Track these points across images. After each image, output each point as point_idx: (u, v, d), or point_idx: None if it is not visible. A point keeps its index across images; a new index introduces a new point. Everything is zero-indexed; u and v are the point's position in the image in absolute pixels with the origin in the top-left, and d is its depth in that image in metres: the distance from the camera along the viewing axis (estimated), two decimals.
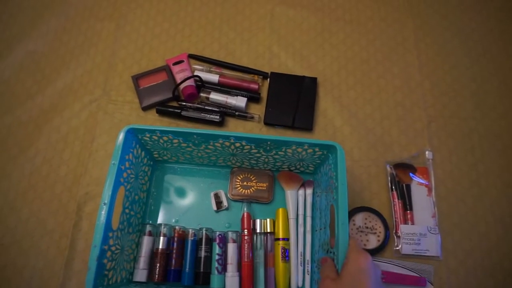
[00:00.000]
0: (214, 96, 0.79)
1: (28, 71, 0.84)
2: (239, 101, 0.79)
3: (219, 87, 0.81)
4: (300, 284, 0.66)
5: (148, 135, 0.63)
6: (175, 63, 0.83)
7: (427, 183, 0.74)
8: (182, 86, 0.79)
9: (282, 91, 0.81)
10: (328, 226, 0.60)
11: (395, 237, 0.70)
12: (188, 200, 0.73)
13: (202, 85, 0.81)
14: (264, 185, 0.72)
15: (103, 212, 0.55)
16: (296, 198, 0.70)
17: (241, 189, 0.72)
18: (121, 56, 0.86)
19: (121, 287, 0.59)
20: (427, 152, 0.76)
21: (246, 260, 0.64)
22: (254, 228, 0.68)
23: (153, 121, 0.79)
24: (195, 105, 0.79)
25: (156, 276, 0.63)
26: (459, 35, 0.89)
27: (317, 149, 0.63)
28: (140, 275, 0.62)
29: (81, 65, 0.85)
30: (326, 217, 0.62)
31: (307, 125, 0.78)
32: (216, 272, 0.63)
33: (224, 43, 0.87)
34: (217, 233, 0.65)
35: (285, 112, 0.79)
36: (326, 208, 0.62)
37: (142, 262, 0.63)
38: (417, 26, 0.89)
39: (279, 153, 0.65)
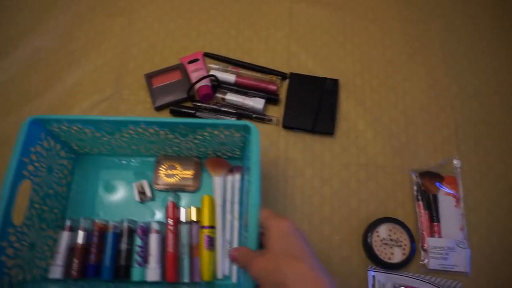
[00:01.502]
0: (231, 97, 0.76)
1: (35, 67, 0.80)
2: (257, 103, 0.75)
3: (235, 88, 0.78)
4: (226, 273, 0.63)
5: (56, 126, 0.59)
6: (190, 62, 0.79)
7: (455, 193, 0.70)
8: (197, 86, 0.75)
9: (302, 93, 0.77)
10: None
11: (421, 250, 0.66)
12: (113, 192, 0.69)
13: (218, 85, 0.77)
14: (190, 173, 0.69)
15: (1, 207, 0.51)
16: (223, 185, 0.67)
17: (166, 178, 0.68)
18: (133, 53, 0.82)
19: (28, 285, 0.56)
20: (454, 161, 0.72)
21: (170, 250, 0.62)
22: (179, 218, 0.65)
23: None
24: (211, 106, 0.75)
25: (74, 272, 0.60)
26: (487, 36, 0.85)
27: (233, 131, 0.59)
28: (55, 271, 0.60)
29: (92, 62, 0.81)
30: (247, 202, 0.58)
31: (329, 129, 0.74)
32: (136, 264, 0.60)
33: (241, 41, 0.83)
34: (139, 224, 0.63)
35: (305, 115, 0.75)
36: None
37: (59, 258, 0.61)
38: (442, 27, 0.85)
39: (198, 137, 0.62)
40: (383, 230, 0.67)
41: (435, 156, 0.73)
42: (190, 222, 0.65)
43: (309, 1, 0.87)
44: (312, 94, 0.77)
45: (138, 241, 0.62)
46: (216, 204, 0.66)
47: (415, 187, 0.70)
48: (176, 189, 0.69)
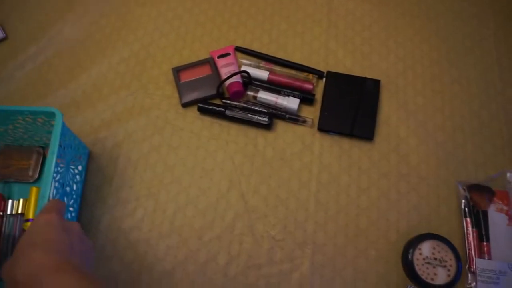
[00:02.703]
0: (263, 95, 0.71)
1: (62, 56, 0.77)
2: (291, 102, 0.69)
3: (268, 85, 0.72)
4: None
5: None
6: (221, 56, 0.74)
7: (508, 210, 0.63)
8: (227, 82, 0.71)
9: (339, 93, 0.71)
10: None
11: (468, 273, 0.60)
12: None
13: (249, 82, 0.72)
14: (28, 163, 0.66)
15: None
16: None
17: (0, 169, 0.66)
18: (161, 45, 0.78)
19: None
20: (508, 174, 0.65)
21: None
22: (6, 210, 0.62)
23: (193, 119, 0.71)
24: (241, 104, 0.70)
25: None
26: None
27: (42, 118, 0.57)
28: None
29: (118, 53, 0.77)
30: None
31: (368, 134, 0.68)
32: None
33: (275, 36, 0.78)
34: None
35: (342, 117, 0.69)
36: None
37: None
38: (498, 25, 0.77)
39: (9, 129, 0.61)
40: (426, 248, 0.61)
41: (485, 168, 0.67)
42: (17, 215, 0.62)
43: None
44: (350, 95, 0.71)
45: None
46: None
47: (462, 202, 0.64)
48: (9, 180, 0.66)
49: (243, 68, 0.74)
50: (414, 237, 0.62)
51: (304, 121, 0.70)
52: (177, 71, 0.74)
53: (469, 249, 0.61)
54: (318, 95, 0.72)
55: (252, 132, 0.70)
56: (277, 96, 0.70)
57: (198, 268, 0.61)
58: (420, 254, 0.60)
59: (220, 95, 0.72)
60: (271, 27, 0.79)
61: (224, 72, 0.72)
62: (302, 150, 0.69)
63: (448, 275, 0.59)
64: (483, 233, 0.61)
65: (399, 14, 0.79)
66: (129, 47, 0.78)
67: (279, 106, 0.70)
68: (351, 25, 0.78)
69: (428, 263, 0.60)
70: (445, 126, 0.70)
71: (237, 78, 0.71)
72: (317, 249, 0.62)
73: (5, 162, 0.66)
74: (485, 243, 0.61)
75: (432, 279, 0.59)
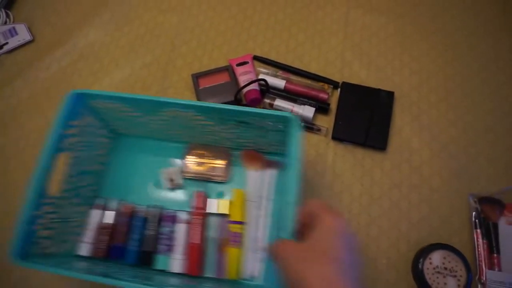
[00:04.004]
0: (280, 103, 0.72)
1: (86, 60, 0.81)
2: (306, 111, 0.71)
3: (284, 94, 0.74)
4: (253, 272, 0.60)
5: (98, 101, 0.59)
6: (239, 64, 0.77)
7: None
8: (245, 89, 0.73)
9: (354, 104, 0.73)
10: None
11: (478, 283, 0.61)
12: (143, 176, 0.69)
13: (267, 90, 0.74)
14: (221, 163, 0.66)
15: (34, 176, 0.52)
16: (258, 179, 0.64)
17: (195, 167, 0.67)
18: (182, 51, 0.81)
19: (60, 259, 0.56)
20: None
21: (195, 242, 0.60)
22: (208, 209, 0.63)
23: None
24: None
25: (99, 251, 0.60)
26: None
27: (273, 123, 0.56)
28: (83, 248, 0.61)
29: (140, 58, 0.80)
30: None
31: (381, 144, 0.69)
32: (161, 252, 0.59)
33: (292, 46, 0.80)
34: (167, 211, 0.63)
35: (356, 127, 0.71)
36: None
37: (87, 236, 0.61)
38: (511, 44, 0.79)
39: (238, 127, 0.60)
40: (436, 257, 0.61)
41: (497, 182, 0.68)
42: (218, 215, 0.63)
43: (367, 7, 0.83)
44: (364, 105, 0.72)
45: (164, 229, 0.61)
46: (248, 199, 0.63)
47: (473, 213, 0.65)
48: (204, 179, 0.67)
49: (261, 76, 0.76)
50: (425, 246, 0.62)
51: (319, 130, 0.71)
52: (197, 77, 0.76)
53: (479, 260, 0.62)
54: (333, 105, 0.74)
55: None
56: (293, 104, 0.72)
57: None
58: (431, 263, 0.61)
59: (238, 101, 0.74)
60: (288, 38, 0.81)
61: (242, 79, 0.74)
62: (316, 157, 0.70)
63: (458, 285, 0.60)
64: (494, 245, 0.62)
65: (415, 29, 0.81)
66: (151, 53, 0.81)
67: (294, 114, 0.72)
68: (367, 38, 0.80)
69: (438, 272, 0.61)
70: (459, 139, 0.71)
71: (254, 86, 0.73)
72: None
73: (200, 160, 0.68)
74: (495, 255, 0.62)
75: None
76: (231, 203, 0.64)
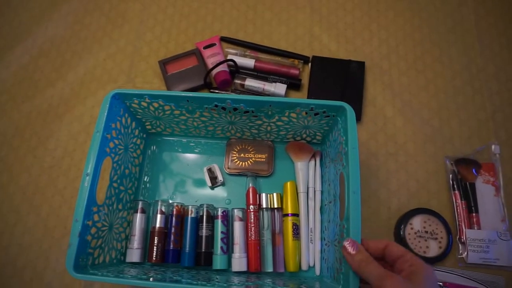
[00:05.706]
0: (250, 83, 0.71)
1: (47, 55, 0.78)
2: (278, 88, 0.70)
3: (255, 73, 0.73)
4: (312, 264, 0.60)
5: (136, 101, 0.57)
6: (206, 47, 0.75)
7: (494, 181, 0.64)
8: (214, 71, 0.71)
9: (325, 77, 0.72)
10: (338, 198, 0.53)
11: (459, 243, 0.61)
12: (184, 175, 0.67)
13: (236, 70, 0.73)
14: (263, 156, 0.66)
15: (86, 184, 0.49)
16: (307, 171, 0.64)
17: (238, 162, 0.66)
18: (146, 39, 0.78)
19: (111, 267, 0.53)
20: (493, 146, 0.67)
21: (253, 238, 0.59)
22: (260, 204, 0.62)
23: None
24: (229, 93, 0.71)
25: (154, 256, 0.58)
26: None
27: (323, 112, 0.55)
28: (134, 255, 0.58)
29: (104, 49, 0.78)
30: (335, 189, 0.54)
31: (356, 116, 0.69)
32: (220, 252, 0.57)
33: (259, 24, 0.79)
34: (220, 210, 0.60)
35: (329, 100, 0.70)
36: (335, 178, 0.55)
37: (136, 241, 0.59)
38: (477, 3, 0.79)
39: (283, 118, 0.58)
40: (417, 222, 0.62)
41: (471, 142, 0.68)
42: (271, 209, 0.62)
43: None
44: (336, 78, 0.72)
45: (221, 228, 0.59)
46: (299, 191, 0.63)
47: (450, 176, 0.65)
48: (254, 174, 0.65)
49: (229, 57, 0.74)
50: (405, 213, 0.63)
51: None
52: (164, 63, 0.74)
53: (459, 221, 0.62)
54: (305, 80, 0.73)
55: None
56: (264, 83, 0.71)
57: None
58: (412, 228, 0.62)
59: (207, 85, 0.72)
60: (255, 16, 0.79)
61: (211, 62, 0.73)
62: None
63: (440, 247, 0.60)
64: (472, 204, 0.63)
65: None
66: (115, 43, 0.78)
67: (266, 92, 0.71)
68: (334, 11, 0.79)
69: (420, 236, 0.61)
70: (430, 104, 0.71)
71: (223, 67, 0.72)
72: None
73: (243, 155, 0.66)
74: (474, 214, 0.62)
75: (424, 252, 0.60)
76: (284, 195, 0.63)
